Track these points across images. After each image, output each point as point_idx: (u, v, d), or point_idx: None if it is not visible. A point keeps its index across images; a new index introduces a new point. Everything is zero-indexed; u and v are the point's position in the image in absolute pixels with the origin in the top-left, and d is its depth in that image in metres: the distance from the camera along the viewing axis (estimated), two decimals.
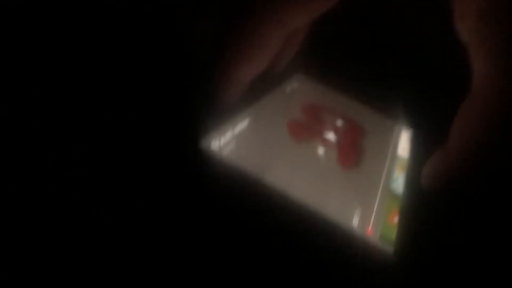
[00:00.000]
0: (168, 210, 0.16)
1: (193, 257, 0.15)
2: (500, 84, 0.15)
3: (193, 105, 0.19)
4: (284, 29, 0.19)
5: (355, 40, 0.30)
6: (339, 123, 0.24)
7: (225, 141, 0.18)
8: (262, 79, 0.23)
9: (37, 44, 0.22)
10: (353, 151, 0.21)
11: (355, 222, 0.17)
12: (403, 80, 0.29)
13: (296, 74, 0.27)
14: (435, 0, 0.18)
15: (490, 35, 0.15)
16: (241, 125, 0.20)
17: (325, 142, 0.21)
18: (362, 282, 0.15)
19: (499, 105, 0.16)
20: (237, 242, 0.16)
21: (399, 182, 0.21)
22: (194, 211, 0.16)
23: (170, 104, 0.19)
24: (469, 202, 0.18)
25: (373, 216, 0.17)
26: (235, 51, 0.20)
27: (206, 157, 0.17)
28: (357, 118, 0.25)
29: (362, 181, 0.19)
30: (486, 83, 0.16)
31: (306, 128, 0.22)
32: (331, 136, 0.22)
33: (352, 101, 0.27)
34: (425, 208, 0.18)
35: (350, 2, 0.24)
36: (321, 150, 0.20)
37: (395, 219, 0.18)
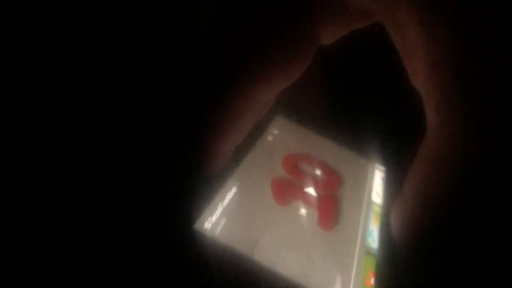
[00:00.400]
0: None
1: None
2: (446, 134, 0.17)
3: (182, 185, 0.20)
4: (261, 101, 0.21)
5: (331, 78, 0.31)
6: (318, 173, 0.25)
7: (217, 218, 0.20)
8: None
9: (37, 44, 0.23)
10: (332, 213, 0.23)
11: None
12: (376, 117, 0.30)
13: (275, 118, 0.28)
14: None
15: (437, 90, 0.17)
16: (230, 193, 0.21)
17: (307, 200, 0.23)
18: None
19: (444, 152, 0.18)
20: None
21: (374, 235, 0.23)
22: None
23: (161, 187, 0.20)
24: (436, 249, 0.20)
25: (352, 282, 0.20)
26: (217, 127, 0.21)
27: (201, 240, 0.19)
28: (334, 162, 0.27)
29: (341, 243, 0.21)
30: (435, 131, 0.18)
31: (288, 187, 0.23)
32: (311, 190, 0.24)
33: (327, 143, 0.28)
34: (400, 267, 0.20)
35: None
36: (303, 212, 0.22)
37: (372, 281, 0.20)
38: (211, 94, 0.21)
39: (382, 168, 0.28)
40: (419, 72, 0.18)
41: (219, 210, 0.20)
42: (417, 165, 0.19)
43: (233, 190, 0.21)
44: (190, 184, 0.21)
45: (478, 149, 0.17)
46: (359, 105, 0.31)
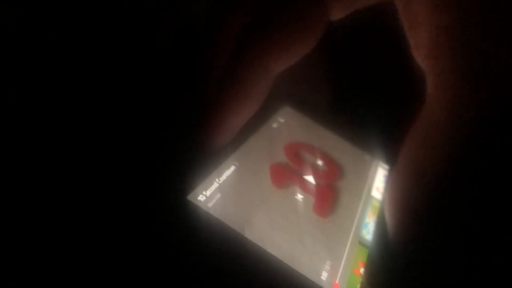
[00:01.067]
0: (150, 264, 0.17)
1: None
2: (446, 105, 0.17)
3: (181, 156, 0.21)
4: (270, 73, 0.21)
5: (342, 75, 0.31)
6: (319, 163, 0.25)
7: (211, 192, 0.20)
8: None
9: (38, 45, 0.23)
10: (330, 201, 0.22)
11: (324, 276, 0.19)
12: (385, 117, 0.30)
13: (283, 107, 0.28)
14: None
15: (439, 61, 0.17)
16: (228, 171, 0.21)
17: (304, 186, 0.23)
18: None
19: (443, 122, 0.17)
20: None
21: (369, 228, 0.22)
22: (176, 264, 0.18)
23: (158, 156, 0.20)
24: (432, 223, 0.19)
25: (341, 269, 0.19)
26: (225, 101, 0.21)
27: (193, 210, 0.19)
28: (336, 154, 0.27)
29: (335, 231, 0.21)
30: (434, 102, 0.18)
31: (287, 172, 0.23)
32: (310, 178, 0.24)
33: (333, 137, 0.28)
34: (391, 261, 0.20)
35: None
36: (299, 197, 0.22)
37: (361, 271, 0.20)
38: (219, 65, 0.21)
39: (386, 166, 0.28)
40: (422, 44, 0.18)
41: (214, 186, 0.20)
42: (413, 135, 0.19)
43: (232, 168, 0.21)
44: (190, 156, 0.21)
45: (476, 118, 0.17)
46: (369, 105, 0.31)
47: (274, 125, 0.26)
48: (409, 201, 0.18)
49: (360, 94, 0.31)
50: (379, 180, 0.26)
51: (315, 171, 0.24)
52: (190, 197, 0.19)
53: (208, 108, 0.21)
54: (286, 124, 0.27)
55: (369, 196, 0.25)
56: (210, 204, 0.19)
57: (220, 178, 0.21)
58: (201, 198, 0.19)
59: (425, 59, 0.18)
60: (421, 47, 0.18)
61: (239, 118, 0.22)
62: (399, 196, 0.19)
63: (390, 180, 0.20)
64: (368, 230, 0.22)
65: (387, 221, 0.20)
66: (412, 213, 0.18)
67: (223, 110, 0.21)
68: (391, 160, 0.28)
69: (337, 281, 0.19)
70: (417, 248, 0.19)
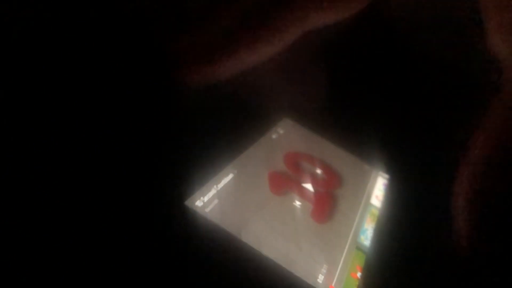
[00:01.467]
0: (148, 266, 0.18)
1: None
2: None
3: (181, 162, 0.21)
4: (302, 27, 0.21)
5: (342, 80, 0.32)
6: (319, 172, 0.26)
7: (209, 198, 0.20)
8: (250, 123, 0.25)
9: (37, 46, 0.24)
10: (328, 208, 0.23)
11: (320, 278, 0.19)
12: (385, 124, 0.30)
13: (283, 119, 0.29)
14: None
15: None
16: (226, 178, 0.22)
17: (303, 194, 0.23)
18: None
19: None
20: None
21: (367, 234, 0.23)
22: (174, 267, 0.18)
23: (157, 161, 0.21)
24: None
25: (337, 273, 0.19)
26: (251, 32, 0.21)
27: (190, 215, 0.19)
28: (336, 164, 0.27)
29: (333, 236, 0.21)
30: None
31: (286, 180, 0.24)
32: (309, 186, 0.24)
33: (332, 147, 0.29)
34: (388, 266, 0.20)
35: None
36: (297, 203, 0.22)
37: (358, 275, 0.20)
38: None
39: (386, 175, 0.28)
40: (506, 25, 0.17)
41: (212, 192, 0.21)
42: (486, 127, 0.18)
43: (230, 176, 0.22)
44: (189, 163, 0.21)
45: None
46: (369, 116, 0.31)
47: (274, 136, 0.27)
48: (490, 197, 0.17)
49: (359, 106, 0.31)
50: (378, 189, 0.27)
51: (314, 179, 0.25)
52: (187, 203, 0.19)
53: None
54: (286, 135, 0.28)
55: (368, 203, 0.25)
56: (207, 209, 0.19)
57: (218, 185, 0.21)
58: (198, 203, 0.20)
59: (507, 41, 0.17)
60: (505, 27, 0.17)
61: (255, 55, 0.21)
62: (479, 190, 0.18)
63: (462, 173, 0.18)
64: (366, 236, 0.22)
65: (456, 222, 0.18)
66: (494, 212, 0.17)
67: (246, 40, 0.21)
68: (391, 170, 0.28)
69: (333, 284, 0.19)
70: (491, 255, 0.18)
